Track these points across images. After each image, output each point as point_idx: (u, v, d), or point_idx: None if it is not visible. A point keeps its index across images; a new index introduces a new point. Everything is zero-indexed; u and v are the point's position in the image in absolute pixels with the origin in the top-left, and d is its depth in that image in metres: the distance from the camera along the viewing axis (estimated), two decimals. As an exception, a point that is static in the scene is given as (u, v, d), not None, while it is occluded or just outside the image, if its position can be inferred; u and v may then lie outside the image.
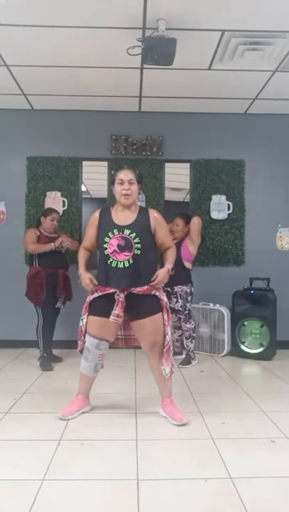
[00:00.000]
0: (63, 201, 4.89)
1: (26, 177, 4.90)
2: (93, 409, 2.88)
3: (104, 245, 2.66)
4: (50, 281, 4.02)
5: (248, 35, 3.31)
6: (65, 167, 4.91)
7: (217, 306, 4.57)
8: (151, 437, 2.47)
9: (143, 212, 2.76)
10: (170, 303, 3.96)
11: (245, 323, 4.51)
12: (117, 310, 2.61)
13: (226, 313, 4.55)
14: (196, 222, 4.13)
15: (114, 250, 2.63)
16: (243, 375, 4.02)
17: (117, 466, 2.14)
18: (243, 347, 4.49)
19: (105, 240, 2.67)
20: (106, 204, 4.75)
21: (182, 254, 4.10)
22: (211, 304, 4.59)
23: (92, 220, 2.81)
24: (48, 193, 4.89)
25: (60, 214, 4.83)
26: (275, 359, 4.38)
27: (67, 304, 4.21)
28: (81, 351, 2.81)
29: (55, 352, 4.26)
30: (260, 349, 4.41)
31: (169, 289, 4.02)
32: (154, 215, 2.77)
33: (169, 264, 2.78)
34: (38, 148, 4.89)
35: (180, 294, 4.12)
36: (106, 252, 2.66)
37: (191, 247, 4.13)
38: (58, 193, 4.89)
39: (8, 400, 3.05)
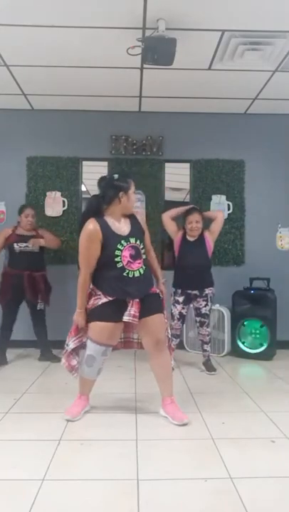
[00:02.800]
0: (63, 201, 4.89)
1: (26, 177, 4.90)
2: (93, 409, 2.88)
3: (117, 259, 2.58)
4: (15, 283, 3.98)
5: (248, 35, 3.30)
6: (65, 167, 4.90)
7: (217, 306, 4.56)
8: (151, 437, 2.47)
9: (132, 217, 2.76)
10: (182, 307, 3.88)
11: (245, 323, 4.50)
12: (133, 311, 2.57)
13: (226, 313, 4.55)
14: (222, 217, 3.98)
15: (129, 261, 2.60)
16: (243, 375, 4.02)
17: (117, 466, 2.14)
18: (243, 347, 4.49)
19: (116, 253, 2.58)
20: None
21: (209, 251, 3.92)
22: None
23: (92, 234, 2.56)
24: (48, 193, 4.89)
25: (60, 214, 4.85)
26: (275, 359, 4.38)
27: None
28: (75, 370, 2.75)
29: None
30: (260, 349, 4.41)
31: (197, 292, 3.81)
32: (140, 217, 2.83)
33: (162, 278, 2.93)
34: (38, 148, 4.89)
35: (210, 297, 3.87)
36: (119, 265, 2.58)
37: (212, 243, 3.95)
38: (58, 193, 4.89)
39: (8, 400, 3.05)
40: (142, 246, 2.69)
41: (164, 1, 2.91)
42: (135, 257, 2.62)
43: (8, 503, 1.82)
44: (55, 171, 4.89)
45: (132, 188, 2.70)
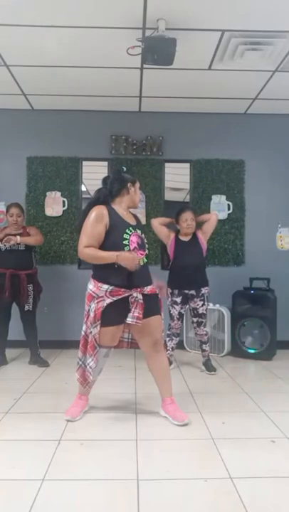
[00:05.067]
0: (63, 201, 4.89)
1: (26, 177, 4.90)
2: (93, 409, 2.88)
3: (125, 242, 2.58)
4: (1, 282, 3.91)
5: (248, 35, 3.31)
6: (65, 167, 4.91)
7: (217, 306, 4.56)
8: (151, 437, 2.47)
9: (135, 217, 2.86)
10: (180, 307, 3.87)
11: (245, 323, 4.50)
12: (137, 312, 2.53)
13: (226, 313, 4.55)
14: (215, 219, 4.00)
15: (135, 247, 2.61)
16: (243, 375, 4.02)
17: (117, 466, 2.14)
18: (243, 347, 4.49)
19: (124, 236, 2.59)
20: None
21: (204, 251, 3.93)
22: (211, 304, 4.57)
23: (99, 215, 2.58)
24: (48, 193, 4.89)
25: (60, 214, 4.85)
26: (275, 359, 4.38)
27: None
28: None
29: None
30: (260, 349, 4.40)
31: (194, 291, 3.80)
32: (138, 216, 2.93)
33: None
34: (38, 148, 4.88)
35: (206, 297, 3.86)
36: (126, 248, 2.58)
37: (206, 243, 3.95)
38: (58, 193, 4.89)
39: (8, 400, 3.05)
40: (146, 240, 2.76)
41: (164, 1, 2.91)
42: (140, 246, 2.66)
43: (8, 503, 1.82)
44: (55, 171, 4.89)
45: (138, 184, 2.81)
